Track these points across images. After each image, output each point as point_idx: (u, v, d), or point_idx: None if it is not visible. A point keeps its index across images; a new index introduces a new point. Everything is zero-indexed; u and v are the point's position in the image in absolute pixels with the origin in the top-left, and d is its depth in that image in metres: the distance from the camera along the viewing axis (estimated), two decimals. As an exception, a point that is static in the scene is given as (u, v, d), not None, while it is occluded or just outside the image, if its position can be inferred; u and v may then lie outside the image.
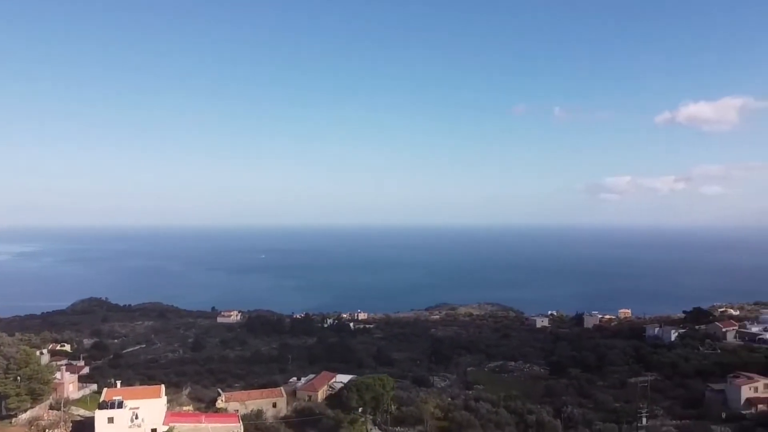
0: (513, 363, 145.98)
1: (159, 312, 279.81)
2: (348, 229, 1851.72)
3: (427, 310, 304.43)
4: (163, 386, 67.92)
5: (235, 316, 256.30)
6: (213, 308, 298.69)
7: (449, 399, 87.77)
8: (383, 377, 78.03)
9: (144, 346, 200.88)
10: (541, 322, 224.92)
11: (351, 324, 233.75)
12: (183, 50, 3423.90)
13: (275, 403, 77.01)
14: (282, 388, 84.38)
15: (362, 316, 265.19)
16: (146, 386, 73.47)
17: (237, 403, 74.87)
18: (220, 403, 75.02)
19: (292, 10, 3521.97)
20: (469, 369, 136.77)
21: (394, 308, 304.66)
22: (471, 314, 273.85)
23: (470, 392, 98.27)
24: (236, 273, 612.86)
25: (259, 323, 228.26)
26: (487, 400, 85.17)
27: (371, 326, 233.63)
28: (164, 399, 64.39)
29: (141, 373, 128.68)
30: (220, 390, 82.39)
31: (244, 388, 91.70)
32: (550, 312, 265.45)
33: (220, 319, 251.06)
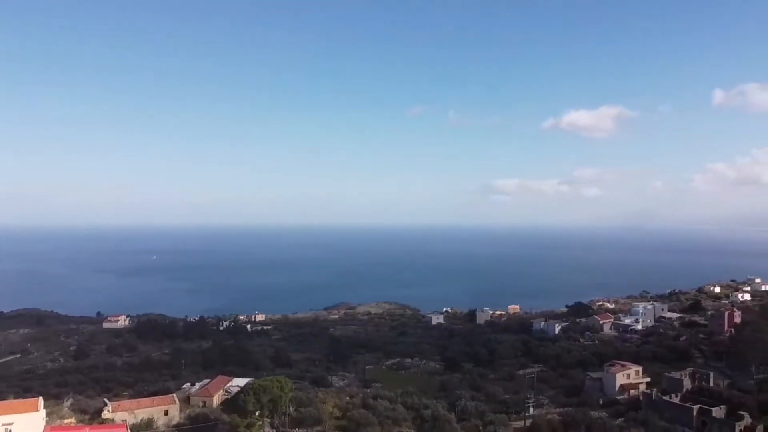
0: (410, 360, 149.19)
1: (37, 319, 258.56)
2: (242, 229, 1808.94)
3: (325, 309, 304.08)
4: (41, 399, 63.03)
5: (123, 321, 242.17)
6: (99, 313, 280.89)
7: (348, 398, 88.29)
8: (281, 379, 77.08)
9: (19, 356, 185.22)
10: (437, 319, 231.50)
11: (248, 326, 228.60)
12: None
13: (167, 411, 73.85)
14: (174, 394, 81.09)
15: (260, 317, 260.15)
16: (22, 399, 67.94)
17: (125, 412, 71.01)
18: (106, 414, 70.81)
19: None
20: (367, 367, 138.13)
21: (293, 309, 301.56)
22: (369, 313, 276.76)
23: (368, 390, 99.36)
24: (125, 275, 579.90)
25: (150, 328, 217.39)
26: (384, 397, 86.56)
27: (269, 327, 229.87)
28: (43, 412, 59.84)
29: (15, 385, 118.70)
30: (106, 400, 77.69)
31: (133, 397, 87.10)
32: (445, 309, 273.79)
33: (106, 325, 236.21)
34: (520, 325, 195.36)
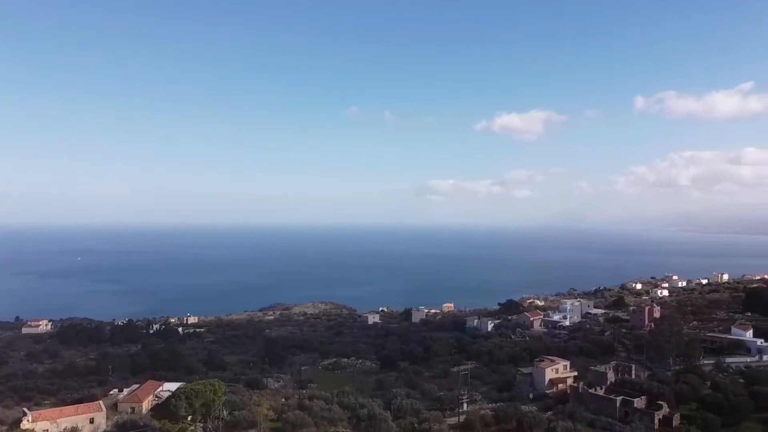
0: (346, 359, 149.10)
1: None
2: (171, 229, 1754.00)
3: (261, 311, 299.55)
4: (-48, 410, 59.17)
5: (44, 326, 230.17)
6: (17, 318, 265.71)
7: (283, 399, 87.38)
8: (214, 382, 75.41)
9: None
10: (373, 319, 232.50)
11: (180, 329, 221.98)
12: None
13: (93, 419, 70.78)
14: (101, 401, 77.82)
15: (192, 319, 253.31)
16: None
17: (47, 422, 67.55)
18: (26, 424, 67.14)
19: None
20: (303, 368, 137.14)
21: (227, 310, 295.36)
22: (305, 313, 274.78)
23: (304, 391, 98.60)
24: (46, 277, 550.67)
25: (74, 332, 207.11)
26: (320, 397, 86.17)
27: (202, 330, 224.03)
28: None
29: None
30: (25, 409, 73.65)
31: (56, 405, 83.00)
32: (381, 308, 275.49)
33: (25, 330, 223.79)
34: (454, 323, 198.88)
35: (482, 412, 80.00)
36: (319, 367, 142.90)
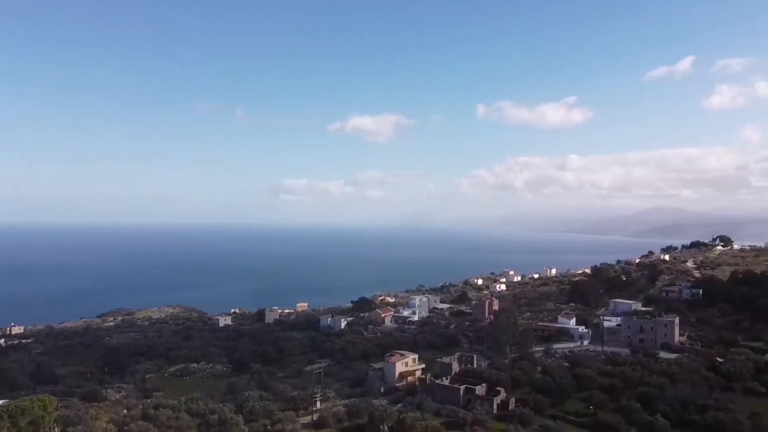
0: (195, 365, 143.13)
1: None
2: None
3: (99, 317, 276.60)
4: None
5: None
6: None
7: (125, 411, 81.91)
8: (44, 398, 68.62)
9: None
10: (225, 321, 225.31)
11: (2, 340, 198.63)
12: None
13: None
14: None
15: (17, 330, 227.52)
16: None
17: None
18: None
19: None
20: (147, 376, 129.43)
21: (59, 318, 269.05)
22: (150, 318, 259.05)
23: (149, 400, 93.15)
24: None
25: None
26: (167, 406, 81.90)
27: (29, 341, 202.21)
28: None
29: None
30: None
31: None
32: (233, 310, 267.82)
33: None
34: (308, 322, 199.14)
35: (335, 408, 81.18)
36: (166, 374, 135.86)
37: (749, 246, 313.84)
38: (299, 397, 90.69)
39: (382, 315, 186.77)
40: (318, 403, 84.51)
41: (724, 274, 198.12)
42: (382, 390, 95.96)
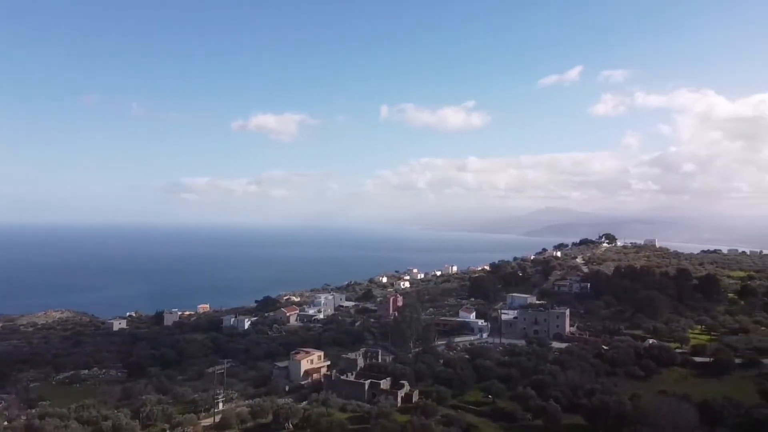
0: (87, 371, 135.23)
1: None
2: None
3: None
4: None
5: None
6: None
7: (5, 423, 76.00)
8: None
9: None
10: (119, 325, 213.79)
11: None
12: None
13: None
14: None
15: None
16: None
17: None
18: None
19: None
20: (32, 385, 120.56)
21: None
22: (36, 324, 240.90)
23: (33, 411, 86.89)
24: None
25: None
26: (54, 415, 76.88)
27: None
28: None
29: None
30: None
31: None
32: (129, 313, 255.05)
33: None
34: (210, 323, 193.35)
35: (238, 409, 79.55)
36: (53, 383, 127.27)
37: (630, 243, 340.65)
38: (201, 399, 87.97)
39: (288, 314, 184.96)
40: (220, 404, 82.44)
41: (608, 269, 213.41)
42: (287, 388, 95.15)
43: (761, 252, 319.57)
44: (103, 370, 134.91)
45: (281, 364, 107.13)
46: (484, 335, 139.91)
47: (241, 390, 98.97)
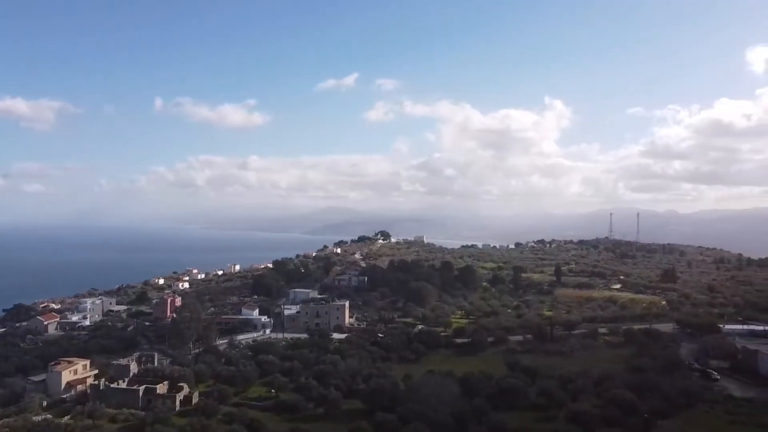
0: None
1: None
2: None
3: None
4: None
5: None
6: None
7: None
8: None
9: None
10: None
11: None
12: None
13: None
14: None
15: None
16: None
17: None
18: None
19: None
20: None
21: None
22: None
23: None
24: None
25: None
26: None
27: None
28: None
29: None
30: None
31: None
32: None
33: None
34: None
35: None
36: None
37: (402, 239, 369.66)
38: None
39: (46, 322, 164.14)
40: (-43, 431, 70.64)
41: (384, 263, 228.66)
42: (44, 404, 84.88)
43: (508, 246, 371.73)
44: None
45: (36, 378, 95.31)
46: (268, 331, 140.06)
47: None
